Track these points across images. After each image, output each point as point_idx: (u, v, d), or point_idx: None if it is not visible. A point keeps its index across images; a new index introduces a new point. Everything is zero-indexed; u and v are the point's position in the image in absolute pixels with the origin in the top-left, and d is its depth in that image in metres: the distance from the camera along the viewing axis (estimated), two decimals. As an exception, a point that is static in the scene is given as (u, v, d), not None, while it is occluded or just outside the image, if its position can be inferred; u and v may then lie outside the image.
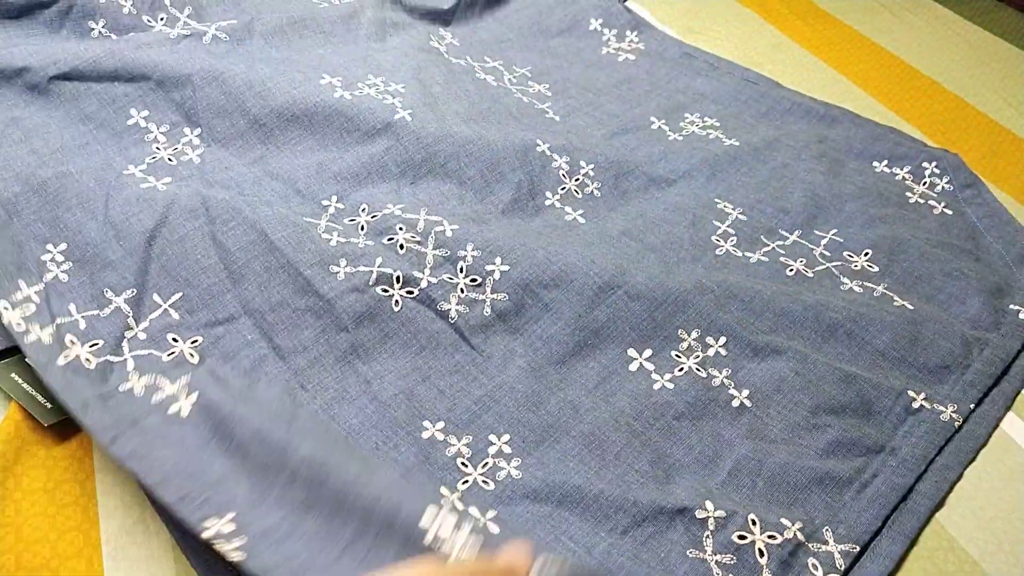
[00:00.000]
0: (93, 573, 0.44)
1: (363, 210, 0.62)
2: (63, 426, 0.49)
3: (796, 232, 0.66)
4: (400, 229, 0.60)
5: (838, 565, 0.46)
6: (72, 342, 0.51)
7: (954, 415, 0.54)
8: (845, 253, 0.65)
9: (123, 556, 0.45)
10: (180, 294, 0.55)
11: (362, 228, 0.61)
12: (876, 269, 0.63)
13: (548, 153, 0.68)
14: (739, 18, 1.00)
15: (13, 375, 0.48)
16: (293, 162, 0.66)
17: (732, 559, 0.45)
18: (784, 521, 0.47)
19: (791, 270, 0.63)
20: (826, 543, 0.47)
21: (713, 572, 0.45)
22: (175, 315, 0.54)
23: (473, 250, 0.59)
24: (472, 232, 0.60)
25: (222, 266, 0.55)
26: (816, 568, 0.46)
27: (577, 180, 0.68)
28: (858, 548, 0.47)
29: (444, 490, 0.47)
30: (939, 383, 0.56)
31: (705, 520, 0.47)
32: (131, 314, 0.54)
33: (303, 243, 0.56)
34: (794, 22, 1.00)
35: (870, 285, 0.62)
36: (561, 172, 0.68)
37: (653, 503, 0.47)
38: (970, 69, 0.93)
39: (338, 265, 0.56)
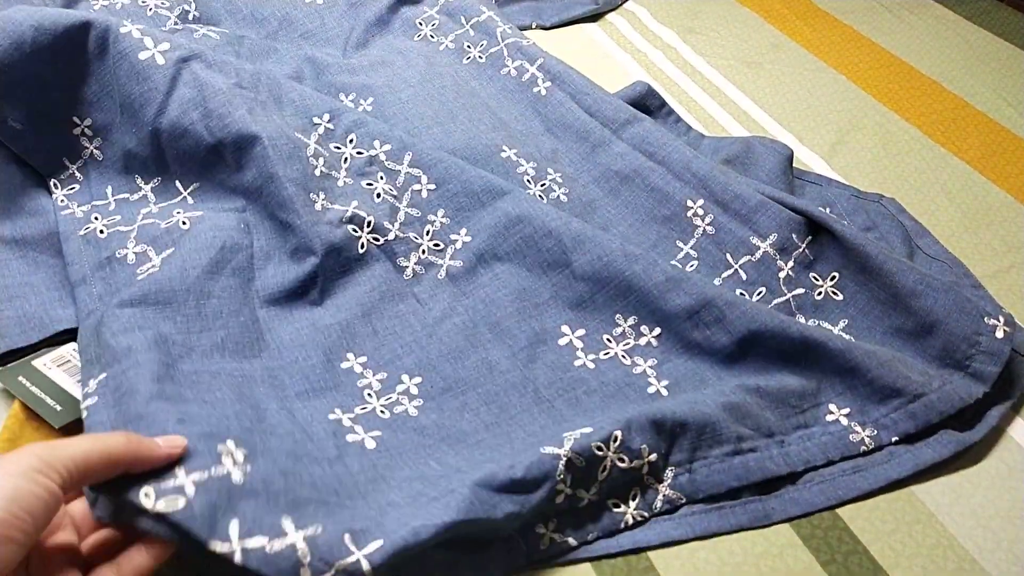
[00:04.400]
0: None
1: (350, 141, 0.63)
2: (70, 427, 0.49)
3: (757, 254, 0.62)
4: (380, 178, 0.62)
5: (653, 507, 0.48)
6: (96, 218, 0.57)
7: (867, 439, 0.52)
8: (811, 275, 0.62)
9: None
10: (197, 184, 0.60)
11: (345, 161, 0.62)
12: (840, 297, 0.60)
13: (514, 159, 0.68)
14: (739, 18, 1.00)
15: (21, 378, 0.49)
16: (288, 69, 0.71)
17: (582, 463, 0.46)
18: (644, 449, 0.48)
19: (759, 292, 0.60)
20: (661, 482, 0.49)
21: (558, 469, 0.45)
22: (190, 200, 0.60)
23: (443, 216, 0.61)
24: (447, 197, 0.62)
25: (225, 163, 0.59)
26: (634, 498, 0.48)
27: (543, 185, 0.66)
28: (684, 501, 0.49)
29: (337, 411, 0.49)
30: (876, 404, 0.54)
31: (571, 435, 0.48)
32: (154, 200, 0.59)
33: (292, 160, 0.58)
34: (794, 22, 1.00)
35: (827, 326, 0.59)
36: (526, 177, 0.67)
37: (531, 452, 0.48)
38: (970, 69, 0.93)
39: (317, 196, 0.58)
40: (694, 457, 0.50)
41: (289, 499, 0.38)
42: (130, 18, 0.72)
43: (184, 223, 0.56)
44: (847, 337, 0.57)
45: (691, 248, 0.63)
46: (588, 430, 0.48)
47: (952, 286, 0.58)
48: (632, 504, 0.48)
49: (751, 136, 0.77)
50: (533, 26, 0.95)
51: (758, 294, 0.60)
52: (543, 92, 0.74)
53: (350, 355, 0.53)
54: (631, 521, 0.48)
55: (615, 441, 0.47)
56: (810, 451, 0.52)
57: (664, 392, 0.54)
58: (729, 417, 0.51)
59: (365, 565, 0.37)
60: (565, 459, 0.45)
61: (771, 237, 0.62)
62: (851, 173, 0.78)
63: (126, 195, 0.59)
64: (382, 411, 0.50)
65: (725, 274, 0.61)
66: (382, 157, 0.63)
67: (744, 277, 0.61)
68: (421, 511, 0.41)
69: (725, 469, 0.50)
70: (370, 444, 0.47)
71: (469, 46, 0.79)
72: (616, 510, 0.48)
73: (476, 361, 0.55)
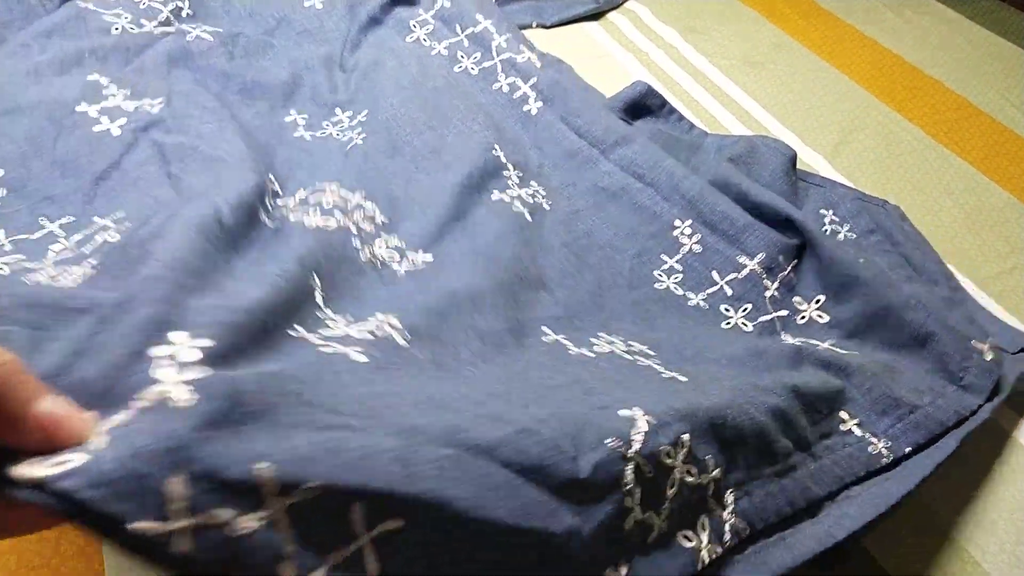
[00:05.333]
0: (94, 572, 0.45)
1: (302, 201, 0.58)
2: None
3: (743, 272, 0.60)
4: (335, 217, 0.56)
5: (724, 540, 0.40)
6: None
7: (884, 450, 0.49)
8: (795, 299, 0.60)
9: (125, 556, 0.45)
10: (123, 213, 0.53)
11: (300, 202, 0.57)
12: (826, 319, 0.58)
13: (503, 160, 0.65)
14: (741, 17, 1.00)
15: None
16: (284, 74, 0.70)
17: (650, 472, 0.37)
18: (709, 460, 0.40)
19: (728, 322, 0.58)
20: (724, 507, 0.41)
21: (627, 475, 0.36)
22: (113, 228, 0.51)
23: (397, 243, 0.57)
24: (403, 225, 0.57)
25: (174, 194, 0.54)
26: (704, 528, 0.39)
27: (529, 191, 0.64)
28: (748, 532, 0.41)
29: (298, 328, 0.38)
30: (879, 416, 0.51)
31: (633, 420, 0.38)
32: (64, 235, 0.51)
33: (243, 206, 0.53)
34: (796, 21, 1.00)
35: (814, 342, 0.56)
36: (511, 180, 0.64)
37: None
38: (973, 68, 0.92)
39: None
40: (750, 476, 0.43)
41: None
42: (120, 7, 0.71)
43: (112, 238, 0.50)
44: (838, 350, 0.55)
45: (676, 262, 0.62)
46: (638, 412, 0.37)
47: (946, 304, 0.57)
48: (703, 537, 0.39)
49: (755, 135, 0.77)
50: (534, 25, 0.94)
51: (743, 310, 0.58)
52: (533, 112, 0.73)
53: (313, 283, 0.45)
54: (706, 559, 0.39)
55: (682, 447, 0.38)
56: (841, 466, 0.48)
57: (682, 378, 0.46)
58: (776, 426, 0.44)
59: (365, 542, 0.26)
60: (633, 464, 0.36)
61: (758, 256, 0.60)
62: (854, 173, 0.77)
63: (25, 236, 0.52)
64: (360, 333, 0.40)
65: (710, 290, 0.60)
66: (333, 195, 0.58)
67: (730, 293, 0.59)
68: (452, 483, 0.28)
69: (778, 491, 0.43)
70: (358, 358, 0.36)
71: (462, 56, 0.78)
72: (688, 544, 0.38)
73: (459, 324, 0.46)
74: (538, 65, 0.77)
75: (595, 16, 0.98)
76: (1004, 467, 0.53)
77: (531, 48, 0.80)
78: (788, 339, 0.56)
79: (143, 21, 0.71)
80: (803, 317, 0.58)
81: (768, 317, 0.58)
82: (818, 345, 0.56)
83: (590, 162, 0.69)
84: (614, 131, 0.70)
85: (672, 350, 0.53)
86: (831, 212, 0.69)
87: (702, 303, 0.59)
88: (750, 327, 0.58)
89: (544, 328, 0.52)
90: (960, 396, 0.52)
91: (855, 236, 0.66)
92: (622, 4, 1.00)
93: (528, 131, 0.72)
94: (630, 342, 0.53)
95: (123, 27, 0.69)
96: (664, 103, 0.80)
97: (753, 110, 0.85)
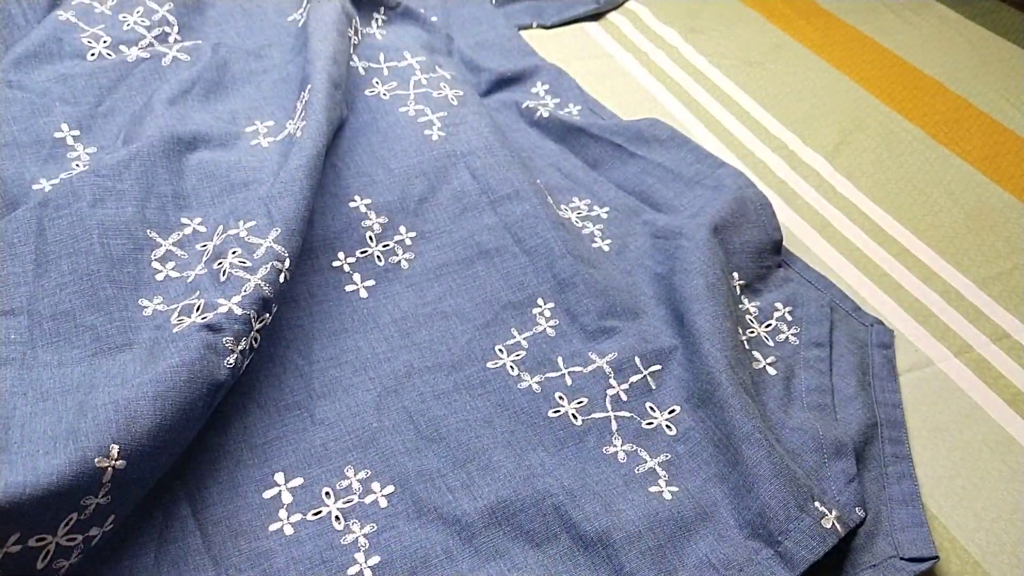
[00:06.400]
0: (96, 573, 0.45)
1: (234, 252, 0.54)
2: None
3: (590, 367, 0.56)
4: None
5: None
6: None
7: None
8: (648, 404, 0.55)
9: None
10: None
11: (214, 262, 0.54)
12: (673, 432, 0.53)
13: (363, 210, 0.63)
14: (741, 18, 1.00)
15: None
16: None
17: None
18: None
19: (557, 411, 0.54)
20: None
21: None
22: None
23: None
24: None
25: (33, 256, 0.52)
26: None
27: (386, 246, 0.61)
28: None
29: None
30: None
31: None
32: None
33: (124, 260, 0.53)
34: (796, 22, 1.00)
35: (643, 456, 0.52)
36: (369, 234, 0.62)
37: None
38: (972, 69, 0.93)
39: (150, 300, 0.52)
40: None
41: None
42: (103, 24, 0.70)
43: None
44: (661, 483, 0.51)
45: (524, 339, 0.58)
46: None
47: (806, 448, 0.51)
48: None
49: (743, 193, 0.68)
50: (534, 25, 0.94)
51: (578, 402, 0.55)
52: (434, 137, 0.68)
53: None
54: None
55: None
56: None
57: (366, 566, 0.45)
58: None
59: None
60: None
61: (609, 355, 0.57)
62: (854, 173, 0.77)
63: None
64: None
65: (550, 375, 0.56)
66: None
67: (569, 383, 0.56)
68: None
69: None
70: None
71: (378, 82, 0.74)
72: None
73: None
74: (454, 104, 0.72)
75: (595, 16, 0.98)
76: (1006, 469, 0.53)
77: (455, 86, 0.75)
78: (616, 446, 0.52)
79: (122, 47, 0.70)
80: (651, 423, 0.53)
81: (602, 415, 0.54)
82: (646, 462, 0.52)
83: (474, 209, 0.64)
84: (509, 183, 0.65)
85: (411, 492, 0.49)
86: (786, 309, 0.63)
87: (535, 386, 0.55)
88: (579, 421, 0.53)
89: (277, 477, 0.49)
90: (771, 566, 0.45)
91: (798, 343, 0.60)
92: (622, 4, 1.00)
93: (421, 155, 0.67)
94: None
95: (100, 52, 0.68)
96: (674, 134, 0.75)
97: (753, 110, 0.85)
